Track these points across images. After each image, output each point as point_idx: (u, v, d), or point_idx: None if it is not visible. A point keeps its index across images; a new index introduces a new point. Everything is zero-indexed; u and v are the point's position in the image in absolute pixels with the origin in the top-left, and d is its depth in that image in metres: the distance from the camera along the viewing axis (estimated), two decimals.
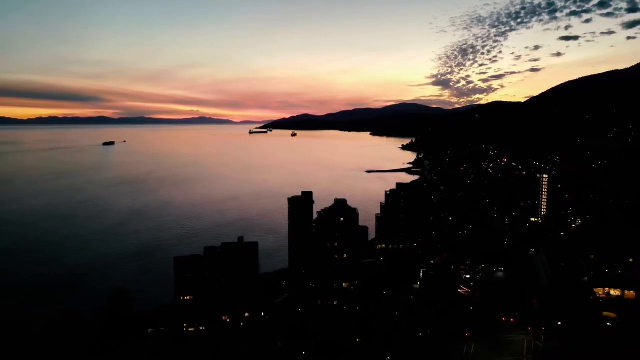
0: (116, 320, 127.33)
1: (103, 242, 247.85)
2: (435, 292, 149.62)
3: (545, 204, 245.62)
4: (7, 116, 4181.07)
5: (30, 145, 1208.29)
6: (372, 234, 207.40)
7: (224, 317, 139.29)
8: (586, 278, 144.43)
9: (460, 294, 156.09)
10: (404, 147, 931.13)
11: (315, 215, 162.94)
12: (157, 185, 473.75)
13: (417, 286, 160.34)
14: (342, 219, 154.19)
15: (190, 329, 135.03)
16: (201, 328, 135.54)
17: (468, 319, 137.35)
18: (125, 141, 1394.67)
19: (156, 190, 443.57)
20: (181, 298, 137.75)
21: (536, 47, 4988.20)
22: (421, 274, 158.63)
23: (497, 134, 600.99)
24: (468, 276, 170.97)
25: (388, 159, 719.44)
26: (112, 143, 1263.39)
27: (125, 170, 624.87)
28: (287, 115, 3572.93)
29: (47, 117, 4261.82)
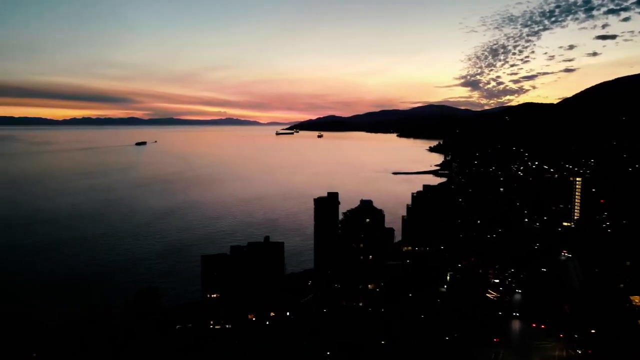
0: (144, 316, 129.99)
1: (133, 240, 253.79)
2: (462, 296, 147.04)
3: (578, 208, 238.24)
4: (43, 117, 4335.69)
5: (66, 145, 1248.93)
6: (398, 236, 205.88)
7: (249, 316, 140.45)
8: (622, 285, 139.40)
9: (488, 298, 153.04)
10: (431, 149, 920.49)
11: (340, 216, 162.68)
12: (186, 185, 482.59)
13: (444, 289, 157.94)
14: (367, 220, 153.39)
15: (216, 327, 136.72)
16: (227, 326, 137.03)
17: (496, 324, 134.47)
18: (156, 141, 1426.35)
19: (185, 189, 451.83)
20: (208, 296, 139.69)
21: (571, 47, 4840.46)
22: (448, 277, 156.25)
23: (528, 136, 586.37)
24: (497, 280, 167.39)
25: (415, 161, 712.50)
26: (144, 143, 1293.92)
27: (156, 169, 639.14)
28: (314, 117, 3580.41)
29: (80, 117, 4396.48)
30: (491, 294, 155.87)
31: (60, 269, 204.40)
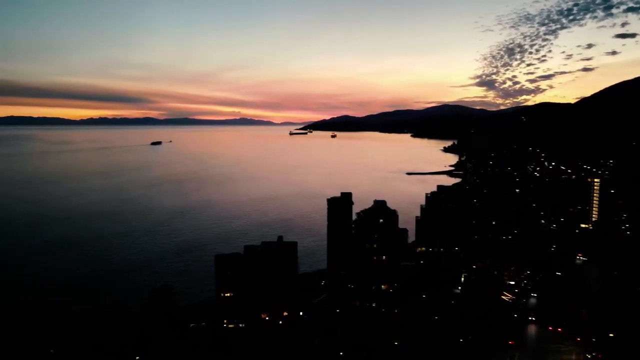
0: (159, 314, 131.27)
1: (148, 240, 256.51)
2: (477, 297, 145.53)
3: (596, 209, 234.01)
4: (61, 117, 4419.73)
5: (83, 145, 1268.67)
6: (411, 237, 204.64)
7: (262, 315, 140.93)
8: None
9: (503, 300, 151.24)
10: (446, 149, 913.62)
11: (354, 216, 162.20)
12: (200, 185, 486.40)
13: (458, 291, 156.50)
14: (381, 220, 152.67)
15: (230, 326, 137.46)
16: (241, 325, 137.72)
17: (512, 327, 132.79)
18: (171, 141, 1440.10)
19: (199, 189, 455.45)
20: (221, 295, 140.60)
21: (589, 46, 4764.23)
22: (462, 279, 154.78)
23: (544, 136, 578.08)
24: (512, 282, 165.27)
25: (429, 161, 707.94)
26: (159, 143, 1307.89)
27: (171, 169, 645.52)
28: (327, 117, 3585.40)
29: (97, 117, 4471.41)
30: (506, 296, 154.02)
31: (77, 267, 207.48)
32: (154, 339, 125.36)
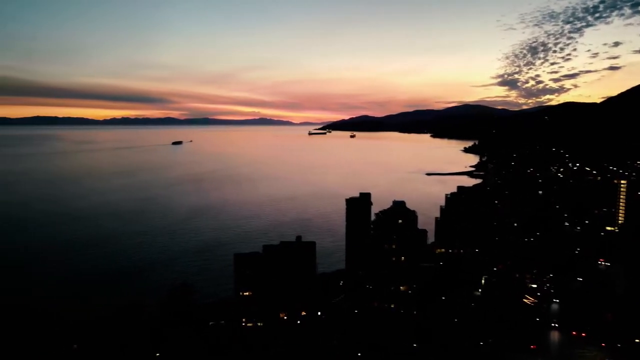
0: (178, 312, 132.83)
1: (168, 238, 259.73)
2: (498, 300, 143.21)
3: (622, 211, 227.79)
4: (85, 117, 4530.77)
5: (106, 145, 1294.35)
6: (431, 238, 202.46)
7: (281, 314, 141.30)
8: None
9: (525, 303, 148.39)
10: (466, 150, 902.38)
11: (373, 217, 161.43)
12: (220, 184, 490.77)
13: (478, 293, 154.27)
14: (400, 221, 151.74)
15: (248, 324, 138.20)
16: (259, 324, 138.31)
17: (534, 331, 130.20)
18: (191, 141, 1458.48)
19: (219, 188, 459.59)
20: (240, 294, 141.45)
21: (616, 44, 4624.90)
22: (483, 281, 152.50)
23: (568, 137, 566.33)
24: (534, 285, 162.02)
25: (449, 162, 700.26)
26: (180, 142, 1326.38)
27: (191, 168, 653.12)
28: (346, 117, 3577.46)
29: (120, 117, 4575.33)
30: (528, 299, 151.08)
31: (98, 265, 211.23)
32: (173, 336, 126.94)
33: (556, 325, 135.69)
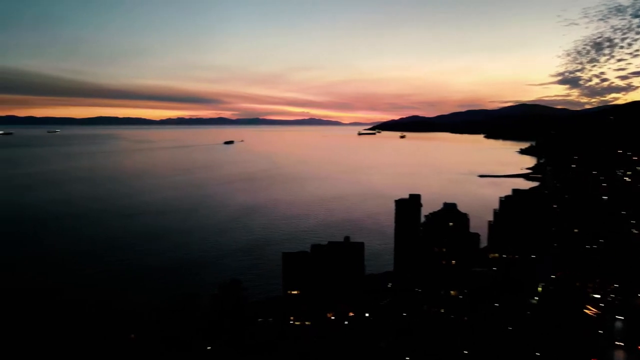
0: (228, 307, 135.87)
1: (219, 235, 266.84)
2: (556, 309, 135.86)
3: None
4: (143, 117, 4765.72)
5: (162, 144, 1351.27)
6: (483, 242, 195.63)
7: (328, 314, 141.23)
8: None
9: (586, 314, 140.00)
10: (522, 151, 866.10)
11: (422, 219, 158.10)
12: (269, 183, 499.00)
13: (535, 301, 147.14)
14: (451, 223, 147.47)
15: (296, 322, 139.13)
16: (306, 323, 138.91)
17: (595, 343, 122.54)
18: (243, 140, 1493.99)
19: (268, 187, 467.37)
20: (288, 292, 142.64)
21: None
22: (540, 289, 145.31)
23: (637, 138, 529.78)
24: (597, 296, 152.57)
25: (503, 164, 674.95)
26: (231, 142, 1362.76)
27: (242, 167, 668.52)
28: (396, 117, 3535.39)
29: (175, 118, 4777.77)
30: (590, 310, 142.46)
31: (154, 259, 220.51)
32: (223, 330, 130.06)
33: (620, 338, 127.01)
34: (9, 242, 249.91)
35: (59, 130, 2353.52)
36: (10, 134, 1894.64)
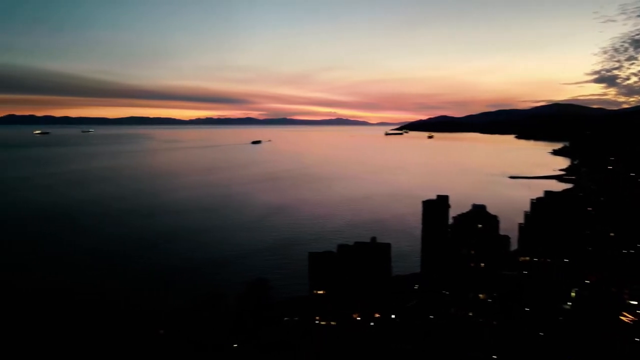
0: (254, 306, 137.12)
1: (245, 234, 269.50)
2: (590, 315, 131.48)
3: None
4: (172, 117, 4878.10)
5: (191, 143, 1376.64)
6: (513, 245, 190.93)
7: (354, 315, 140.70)
8: None
9: (622, 321, 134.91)
10: (555, 152, 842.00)
11: (450, 220, 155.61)
12: (296, 182, 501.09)
13: (567, 307, 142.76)
14: (480, 225, 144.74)
15: (322, 322, 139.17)
16: (332, 323, 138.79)
17: (631, 352, 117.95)
18: (270, 140, 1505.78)
19: (295, 187, 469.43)
20: (314, 292, 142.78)
21: None
22: (573, 294, 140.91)
23: None
24: (634, 302, 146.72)
25: (535, 165, 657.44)
26: (259, 142, 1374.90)
27: (270, 167, 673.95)
28: (424, 117, 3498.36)
29: (204, 118, 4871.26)
30: (626, 317, 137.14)
31: (181, 257, 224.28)
32: (249, 329, 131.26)
33: None
34: (40, 240, 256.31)
35: (92, 130, 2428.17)
36: (47, 133, 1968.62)
